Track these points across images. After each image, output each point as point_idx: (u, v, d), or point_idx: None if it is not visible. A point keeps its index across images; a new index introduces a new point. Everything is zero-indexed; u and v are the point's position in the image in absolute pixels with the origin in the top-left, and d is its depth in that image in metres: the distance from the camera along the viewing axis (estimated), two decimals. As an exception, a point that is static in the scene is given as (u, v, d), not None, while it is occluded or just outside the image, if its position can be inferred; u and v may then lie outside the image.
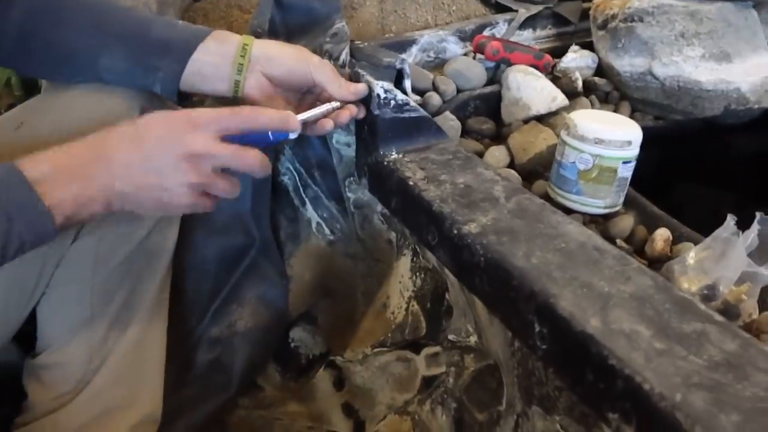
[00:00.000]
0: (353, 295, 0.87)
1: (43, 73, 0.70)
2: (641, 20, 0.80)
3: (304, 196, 0.90)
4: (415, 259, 0.78)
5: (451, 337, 0.71)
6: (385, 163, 0.69)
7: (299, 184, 0.89)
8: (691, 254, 0.55)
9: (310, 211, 0.89)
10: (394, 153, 0.70)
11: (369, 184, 0.75)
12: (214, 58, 0.62)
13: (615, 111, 0.85)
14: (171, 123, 0.54)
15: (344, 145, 0.81)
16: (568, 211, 0.64)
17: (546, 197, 0.66)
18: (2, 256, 0.49)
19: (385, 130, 0.70)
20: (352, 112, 0.67)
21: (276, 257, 0.91)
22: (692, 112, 0.81)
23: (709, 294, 0.51)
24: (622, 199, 0.64)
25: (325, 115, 0.65)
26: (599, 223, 0.64)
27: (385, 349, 0.78)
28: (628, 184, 0.64)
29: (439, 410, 0.74)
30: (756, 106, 0.80)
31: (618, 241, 0.60)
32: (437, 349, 0.73)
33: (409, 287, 0.78)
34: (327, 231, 0.89)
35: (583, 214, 0.64)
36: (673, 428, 0.37)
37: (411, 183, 0.65)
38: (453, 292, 0.71)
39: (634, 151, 0.62)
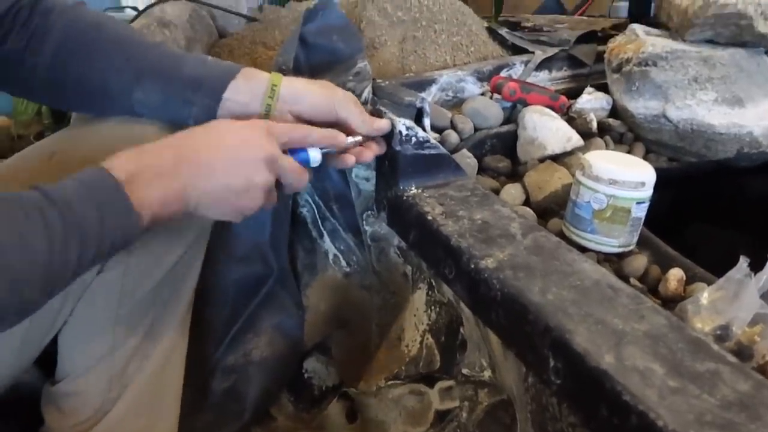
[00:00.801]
0: (368, 327, 0.88)
1: (75, 107, 0.72)
2: (655, 65, 0.83)
3: (322, 228, 0.91)
4: (430, 292, 0.79)
5: (465, 371, 0.71)
6: (405, 197, 0.71)
7: (317, 216, 0.91)
8: (705, 295, 0.55)
9: (327, 243, 0.91)
10: (413, 188, 0.72)
11: (388, 218, 0.76)
12: (243, 96, 0.64)
13: (629, 152, 0.87)
14: (250, 128, 0.59)
15: (363, 179, 0.83)
16: (583, 250, 0.65)
17: (561, 235, 0.68)
18: (96, 256, 0.49)
19: (406, 166, 0.72)
20: (374, 150, 0.69)
21: (293, 287, 0.93)
22: (705, 155, 0.83)
23: (722, 334, 0.52)
24: (635, 239, 0.66)
25: (347, 150, 0.67)
26: (613, 261, 0.65)
27: (398, 382, 0.79)
28: (641, 224, 0.65)
29: (451, 445, 0.75)
30: (769, 150, 0.82)
31: (632, 279, 0.61)
32: (451, 383, 0.74)
33: (423, 321, 0.79)
34: (343, 263, 0.90)
35: (597, 252, 0.65)
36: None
37: (429, 218, 0.66)
38: (468, 326, 0.72)
39: (647, 192, 0.63)
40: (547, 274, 0.55)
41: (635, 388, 0.42)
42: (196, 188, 0.55)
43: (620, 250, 0.65)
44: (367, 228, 0.86)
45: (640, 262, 0.63)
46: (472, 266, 0.58)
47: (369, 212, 0.84)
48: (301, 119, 0.67)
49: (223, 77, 0.64)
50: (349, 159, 0.68)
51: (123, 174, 0.51)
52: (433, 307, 0.78)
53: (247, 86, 0.64)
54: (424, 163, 0.72)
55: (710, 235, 0.99)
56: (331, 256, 0.91)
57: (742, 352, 0.52)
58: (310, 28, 0.97)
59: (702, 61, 0.82)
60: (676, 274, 0.60)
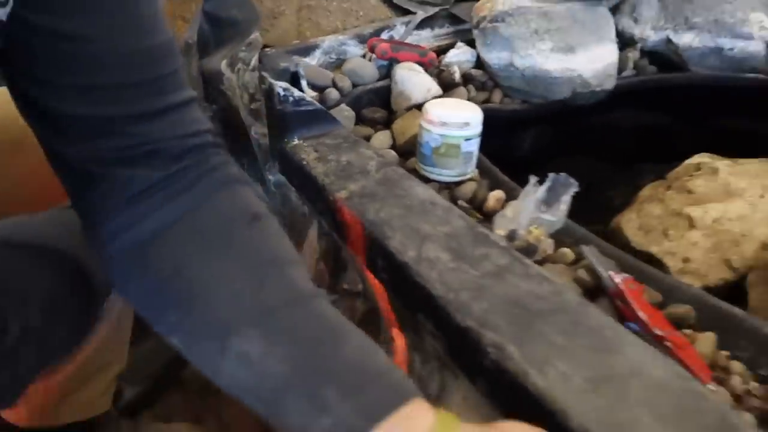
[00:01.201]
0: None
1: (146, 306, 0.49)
2: (503, 20, 0.97)
3: (234, 180, 1.05)
4: (319, 227, 0.94)
5: (345, 286, 0.87)
6: (288, 148, 0.85)
7: (230, 170, 1.05)
8: (509, 208, 0.72)
9: (239, 193, 1.05)
10: (295, 140, 0.86)
11: (280, 167, 0.91)
12: None
13: (489, 98, 1.02)
14: None
15: (261, 135, 0.96)
16: (428, 181, 0.80)
17: (414, 171, 0.83)
18: None
19: (287, 122, 0.86)
20: None
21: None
22: (548, 96, 0.98)
23: (512, 236, 0.68)
24: (470, 169, 0.81)
25: None
26: (451, 188, 0.80)
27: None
28: (474, 156, 0.80)
29: (346, 349, 0.91)
30: (598, 89, 0.97)
31: (460, 201, 0.77)
32: (335, 297, 0.90)
33: (317, 250, 0.94)
34: (254, 209, 1.05)
35: (439, 182, 0.81)
36: (448, 319, 0.53)
37: (305, 163, 0.80)
38: (344, 250, 0.88)
39: (473, 130, 0.78)
40: (386, 198, 0.70)
41: (424, 272, 0.58)
42: None
43: (457, 179, 0.80)
44: (270, 177, 1.00)
45: (469, 188, 0.78)
46: (331, 198, 0.73)
47: (269, 164, 0.98)
48: None
49: (392, 397, 0.41)
50: None
51: None
52: (323, 238, 0.93)
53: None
54: (302, 118, 0.86)
55: (572, 164, 1.16)
56: (243, 205, 1.05)
57: (530, 249, 0.68)
58: (212, 2, 1.09)
59: (542, 16, 0.97)
60: (495, 195, 0.76)
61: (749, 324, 0.55)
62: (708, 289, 0.79)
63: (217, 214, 0.49)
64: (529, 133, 1.08)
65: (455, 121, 0.76)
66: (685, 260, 0.80)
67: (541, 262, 0.67)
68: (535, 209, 0.67)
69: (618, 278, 0.58)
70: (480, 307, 0.53)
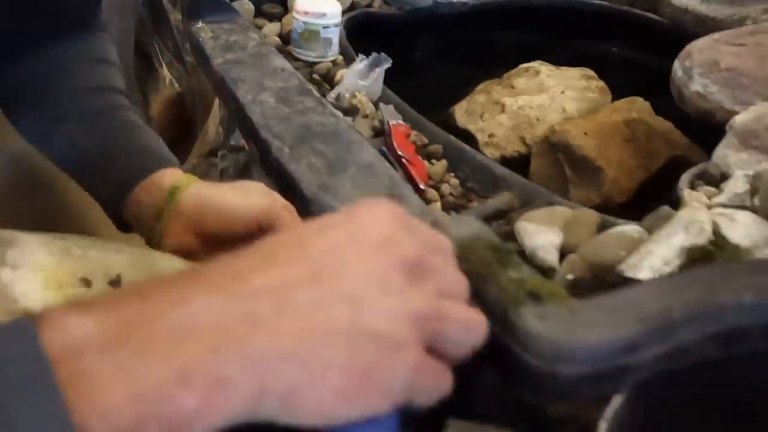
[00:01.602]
0: (195, 130, 1.27)
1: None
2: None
3: (161, 60, 1.27)
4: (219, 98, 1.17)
5: (232, 143, 1.11)
6: (193, 30, 1.07)
7: (158, 52, 1.27)
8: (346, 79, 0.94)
9: (165, 71, 1.27)
10: (200, 23, 1.08)
11: (190, 47, 1.13)
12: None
13: (371, 3, 1.23)
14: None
15: (178, 21, 1.18)
16: (297, 60, 1.03)
17: (289, 53, 1.05)
18: None
19: (192, 8, 1.07)
20: None
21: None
22: (414, 4, 1.20)
23: (338, 98, 0.91)
24: (330, 53, 1.03)
25: None
26: (312, 66, 1.03)
27: (202, 158, 1.19)
28: (333, 43, 1.02)
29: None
30: (455, 0, 1.19)
31: (315, 75, 1.00)
32: (225, 152, 1.14)
33: (217, 117, 1.18)
34: (176, 85, 1.27)
35: (304, 61, 1.03)
36: (258, 135, 0.77)
37: (201, 39, 1.02)
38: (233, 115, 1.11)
39: (331, 20, 1.00)
40: (250, 66, 0.93)
41: (253, 109, 0.81)
42: (259, 363, 0.27)
43: (318, 59, 1.03)
44: (187, 59, 1.22)
45: (324, 66, 1.01)
46: (212, 64, 0.96)
47: (185, 47, 1.20)
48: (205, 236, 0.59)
49: (159, 162, 0.66)
50: None
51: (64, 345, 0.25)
52: (221, 107, 1.17)
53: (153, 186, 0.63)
54: (205, 5, 1.07)
55: (450, 69, 1.38)
56: (167, 81, 1.28)
57: (351, 109, 0.91)
58: None
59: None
60: (342, 72, 0.99)
61: (471, 156, 0.80)
62: (504, 158, 1.04)
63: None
64: (419, 41, 1.29)
65: (314, 11, 0.98)
66: (491, 135, 1.04)
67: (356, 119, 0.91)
68: (356, 78, 0.90)
69: (392, 122, 0.82)
70: (279, 128, 0.76)
